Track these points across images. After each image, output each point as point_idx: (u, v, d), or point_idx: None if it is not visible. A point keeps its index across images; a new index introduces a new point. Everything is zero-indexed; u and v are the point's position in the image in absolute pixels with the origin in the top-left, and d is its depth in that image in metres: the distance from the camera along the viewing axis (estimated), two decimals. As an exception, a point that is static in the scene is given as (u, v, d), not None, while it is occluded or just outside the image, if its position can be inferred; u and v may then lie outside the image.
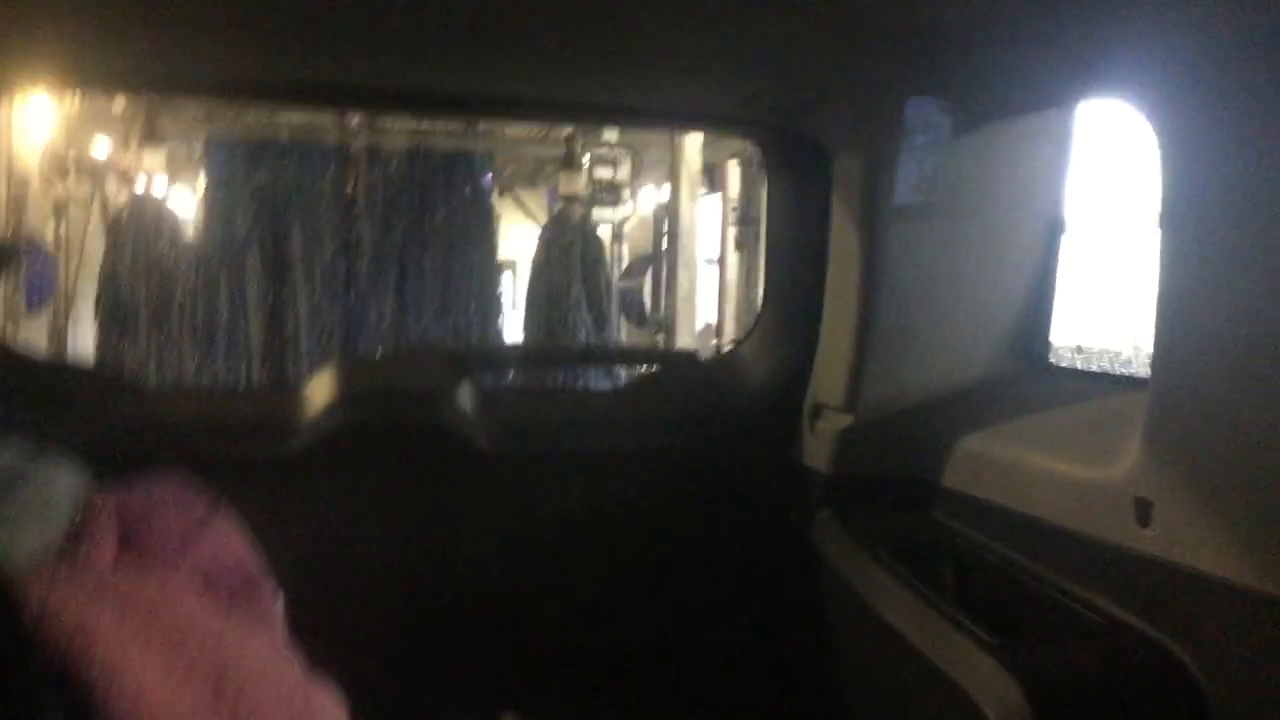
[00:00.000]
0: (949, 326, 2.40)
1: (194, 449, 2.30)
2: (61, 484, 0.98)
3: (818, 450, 2.54)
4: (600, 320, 9.26)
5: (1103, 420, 2.01)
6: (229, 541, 1.12)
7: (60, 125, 9.18)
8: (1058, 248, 2.38)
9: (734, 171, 9.93)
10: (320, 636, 1.34)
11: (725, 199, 10.24)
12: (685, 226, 10.02)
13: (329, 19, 1.87)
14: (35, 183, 9.19)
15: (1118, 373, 2.28)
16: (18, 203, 8.85)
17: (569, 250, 9.23)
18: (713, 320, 10.80)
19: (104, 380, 2.82)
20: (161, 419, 2.50)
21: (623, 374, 7.89)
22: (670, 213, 10.11)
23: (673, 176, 9.93)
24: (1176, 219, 1.64)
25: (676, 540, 2.62)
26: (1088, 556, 1.83)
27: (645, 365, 2.98)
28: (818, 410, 2.56)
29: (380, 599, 2.40)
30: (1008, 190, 2.34)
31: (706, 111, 2.56)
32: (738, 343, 2.88)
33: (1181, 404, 1.65)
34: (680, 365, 2.95)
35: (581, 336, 9.17)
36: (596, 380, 6.57)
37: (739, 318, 9.79)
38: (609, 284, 9.48)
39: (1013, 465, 2.11)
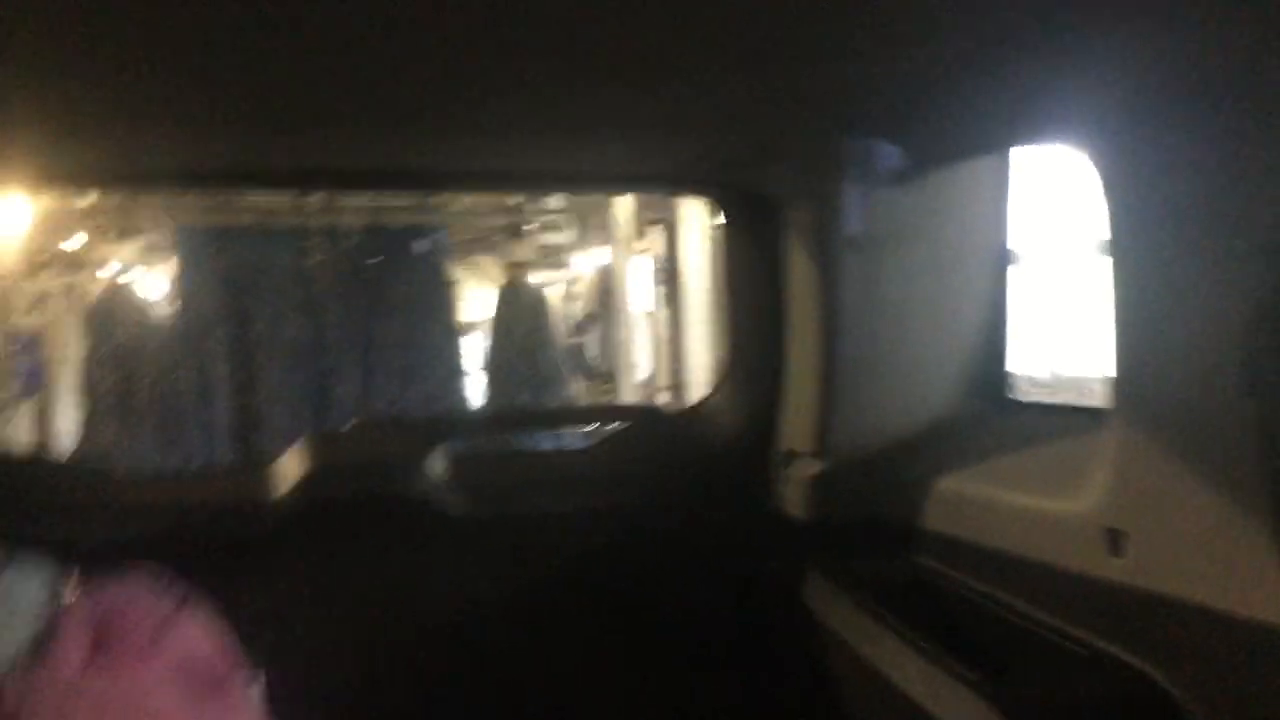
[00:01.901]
0: (910, 366, 2.27)
1: (168, 534, 2.18)
2: (31, 589, 0.91)
3: (791, 497, 2.38)
4: (552, 376, 9.21)
5: (1069, 452, 1.89)
6: (200, 634, 1.03)
7: (38, 220, 9.14)
8: (1007, 278, 2.25)
9: (658, 234, 9.94)
10: (302, 714, 1.26)
11: (655, 259, 10.26)
12: (621, 286, 10.06)
13: (285, 107, 1.77)
14: (15, 276, 9.09)
15: (1081, 404, 2.17)
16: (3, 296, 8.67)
17: (521, 312, 9.17)
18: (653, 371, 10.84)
19: (76, 472, 2.65)
20: (134, 506, 2.36)
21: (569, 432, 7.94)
22: (607, 274, 10.10)
23: (610, 240, 9.99)
24: (1126, 253, 1.56)
25: (656, 597, 2.45)
26: (1065, 589, 1.72)
27: (614, 422, 2.79)
28: (788, 457, 2.40)
29: (360, 672, 2.24)
30: (954, 226, 2.23)
31: (655, 173, 2.41)
32: (705, 396, 2.71)
33: (1145, 432, 1.55)
34: (648, 421, 2.79)
35: (534, 393, 9.05)
36: (551, 440, 6.49)
37: (668, 368, 9.87)
38: (558, 342, 9.43)
39: (984, 501, 1.98)
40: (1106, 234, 1.60)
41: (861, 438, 2.27)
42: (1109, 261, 1.60)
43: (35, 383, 9.42)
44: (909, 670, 1.80)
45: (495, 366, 9.21)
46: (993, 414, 2.24)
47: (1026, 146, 2.13)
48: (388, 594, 2.33)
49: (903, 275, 2.22)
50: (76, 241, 9.52)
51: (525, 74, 1.64)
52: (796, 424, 2.37)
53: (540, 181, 2.56)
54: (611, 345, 10.34)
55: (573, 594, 2.42)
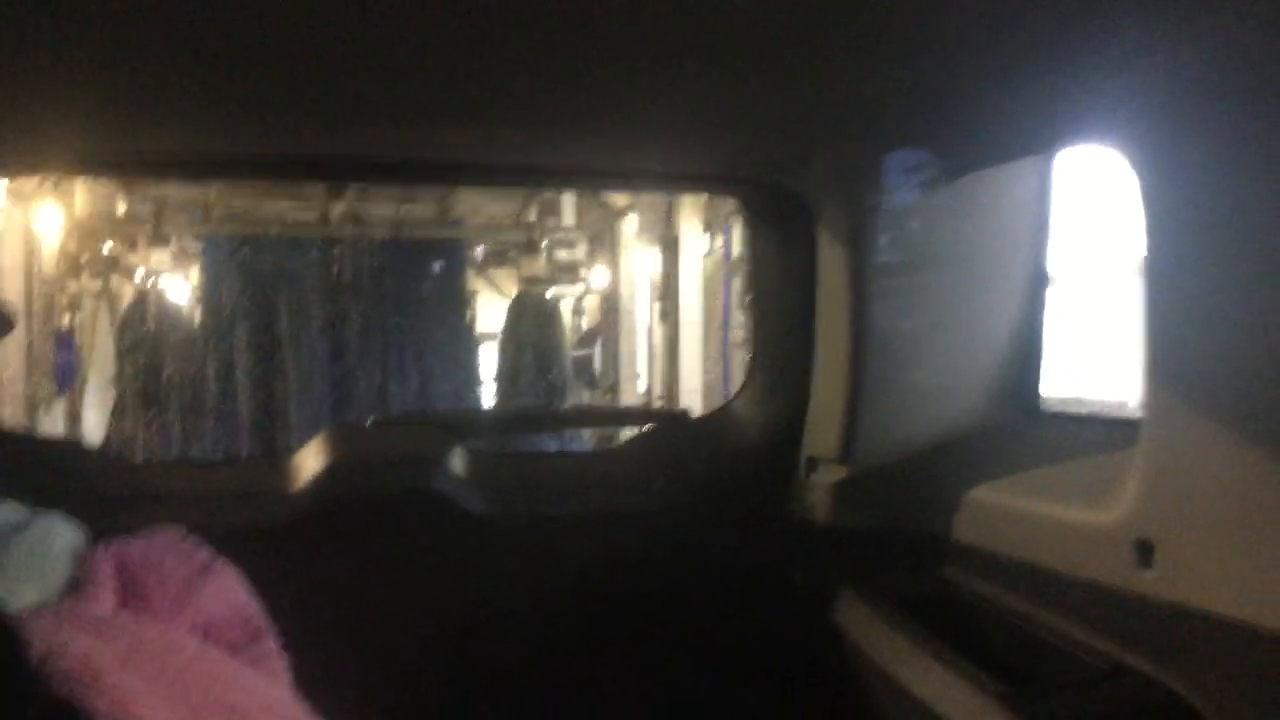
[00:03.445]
0: (940, 376, 2.10)
1: (187, 520, 1.99)
2: (61, 539, 0.87)
3: (814, 504, 2.20)
4: (559, 385, 9.21)
5: (1098, 463, 1.75)
6: (231, 589, 0.98)
7: (75, 227, 9.26)
8: (1044, 293, 2.08)
9: (655, 254, 9.94)
10: (315, 704, 1.11)
11: (651, 279, 10.25)
12: (625, 302, 10.06)
13: (310, 94, 1.65)
14: (53, 279, 9.13)
15: (1111, 416, 2.03)
16: (43, 299, 8.83)
17: (531, 324, 9.16)
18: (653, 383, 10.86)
19: (99, 456, 2.49)
20: (155, 491, 2.22)
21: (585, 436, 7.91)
22: (612, 290, 10.13)
23: (612, 258, 10.00)
24: (1161, 260, 1.43)
25: (675, 600, 2.28)
26: (1091, 600, 1.59)
27: (640, 425, 2.63)
28: (813, 464, 2.23)
29: (375, 664, 2.06)
30: (991, 239, 2.06)
31: (689, 172, 2.26)
32: (730, 399, 2.54)
33: (1176, 443, 1.43)
34: (672, 424, 2.62)
35: (541, 400, 9.07)
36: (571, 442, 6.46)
37: (663, 379, 9.89)
38: (566, 353, 9.43)
39: (1010, 512, 1.83)
40: (1140, 239, 1.46)
41: (888, 446, 2.11)
42: (1141, 269, 1.47)
43: (70, 378, 9.47)
44: (933, 681, 1.68)
45: (506, 374, 9.21)
46: (1023, 424, 2.08)
47: (1065, 150, 1.98)
48: (406, 588, 2.18)
49: (935, 283, 2.07)
50: (110, 248, 9.59)
51: (563, 69, 1.53)
52: (823, 430, 2.21)
53: (574, 177, 2.41)
54: (612, 357, 10.31)
55: (593, 596, 2.26)
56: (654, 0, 1.25)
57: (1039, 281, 2.08)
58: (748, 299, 9.07)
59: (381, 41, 1.39)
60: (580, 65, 1.50)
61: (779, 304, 2.36)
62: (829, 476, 2.17)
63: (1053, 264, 2.08)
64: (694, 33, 1.35)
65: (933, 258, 2.06)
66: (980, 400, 2.10)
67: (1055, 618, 1.68)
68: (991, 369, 2.09)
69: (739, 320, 9.53)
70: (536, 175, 2.42)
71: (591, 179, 2.38)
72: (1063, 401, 2.32)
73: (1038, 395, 2.12)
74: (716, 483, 2.35)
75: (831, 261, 2.12)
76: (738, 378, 9.62)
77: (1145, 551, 1.45)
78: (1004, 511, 1.85)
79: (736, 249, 9.52)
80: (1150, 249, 1.45)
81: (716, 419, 2.58)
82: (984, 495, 1.92)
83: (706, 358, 9.80)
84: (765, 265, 2.40)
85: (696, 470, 2.37)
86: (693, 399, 9.46)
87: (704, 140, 1.98)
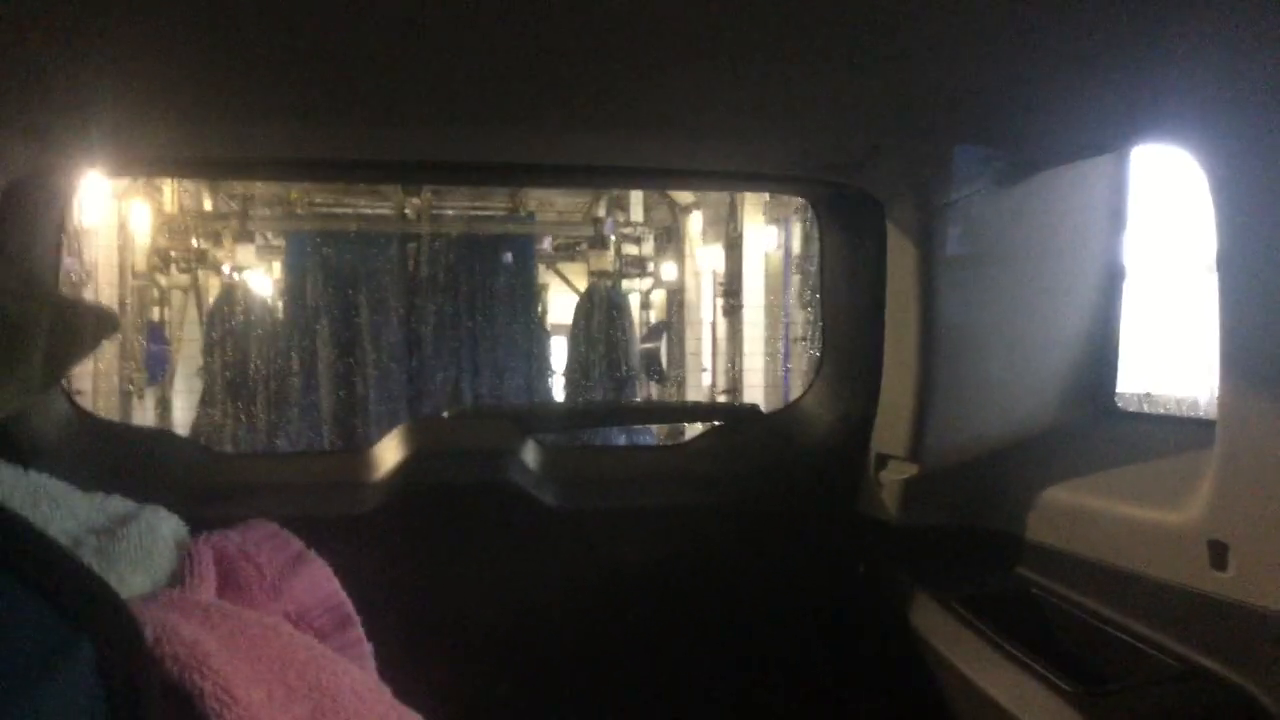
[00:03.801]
0: (1011, 374, 2.05)
1: (272, 509, 2.02)
2: (165, 526, 0.89)
3: (883, 501, 2.17)
4: (628, 377, 9.19)
5: (1172, 463, 1.71)
6: (321, 579, 1.00)
7: (165, 224, 9.41)
8: (1119, 292, 2.03)
9: (719, 252, 9.85)
10: (392, 689, 1.12)
11: (714, 275, 10.17)
12: (691, 297, 9.94)
13: (387, 95, 1.65)
14: (145, 274, 9.36)
15: (1184, 415, 1.96)
16: (135, 293, 9.06)
17: (601, 317, 9.14)
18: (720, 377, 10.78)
19: (188, 446, 2.53)
20: (241, 481, 2.25)
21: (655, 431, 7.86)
22: (678, 285, 10.08)
23: (678, 254, 9.95)
24: (1234, 259, 1.40)
25: (742, 594, 2.27)
26: (1163, 601, 1.56)
27: (713, 420, 2.61)
28: (882, 461, 2.20)
29: (449, 652, 2.09)
30: (1064, 236, 2.01)
31: (759, 171, 2.23)
32: (799, 395, 2.51)
33: (1251, 443, 1.39)
34: (742, 419, 2.59)
35: (609, 392, 9.08)
36: (637, 435, 6.42)
37: (726, 372, 9.86)
38: (634, 346, 9.39)
39: (1082, 511, 1.78)
40: (1212, 239, 1.42)
41: (958, 443, 2.07)
42: (1214, 269, 1.43)
43: (162, 368, 9.67)
44: (1003, 679, 1.64)
45: (575, 366, 9.19)
46: (1096, 423, 2.02)
47: (1136, 148, 1.93)
48: (480, 577, 2.19)
49: (1007, 280, 2.02)
50: (198, 243, 9.74)
51: (631, 70, 1.52)
52: (892, 428, 2.17)
53: (642, 176, 2.39)
54: (678, 351, 10.23)
55: (661, 588, 2.25)
56: (724, 4, 1.23)
57: (1114, 279, 2.03)
58: (807, 295, 9.06)
59: (454, 45, 1.39)
60: (649, 65, 1.48)
61: (849, 300, 2.32)
62: (898, 473, 2.13)
63: (1129, 261, 2.03)
64: (762, 31, 1.33)
65: (1005, 255, 2.00)
66: (1053, 398, 2.05)
67: (1127, 618, 1.64)
68: (1064, 367, 2.04)
69: (797, 316, 9.46)
70: (606, 175, 2.41)
71: (660, 178, 2.37)
72: (1134, 397, 2.25)
73: (1113, 394, 2.07)
74: (786, 478, 2.33)
75: (901, 259, 2.09)
76: (795, 371, 9.58)
77: (1219, 552, 1.42)
78: (1076, 510, 1.81)
79: (796, 246, 9.41)
80: (1222, 249, 1.41)
81: (786, 415, 2.55)
82: (1055, 494, 1.88)
83: (769, 352, 9.73)
84: (835, 262, 2.37)
85: (766, 466, 2.35)
86: (755, 393, 9.43)
87: (773, 138, 1.95)
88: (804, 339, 9.08)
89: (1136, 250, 2.08)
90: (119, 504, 0.92)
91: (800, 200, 8.81)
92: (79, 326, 0.92)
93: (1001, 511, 1.99)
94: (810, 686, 2.25)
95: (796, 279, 9.45)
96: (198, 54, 1.42)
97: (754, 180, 2.38)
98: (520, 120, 1.81)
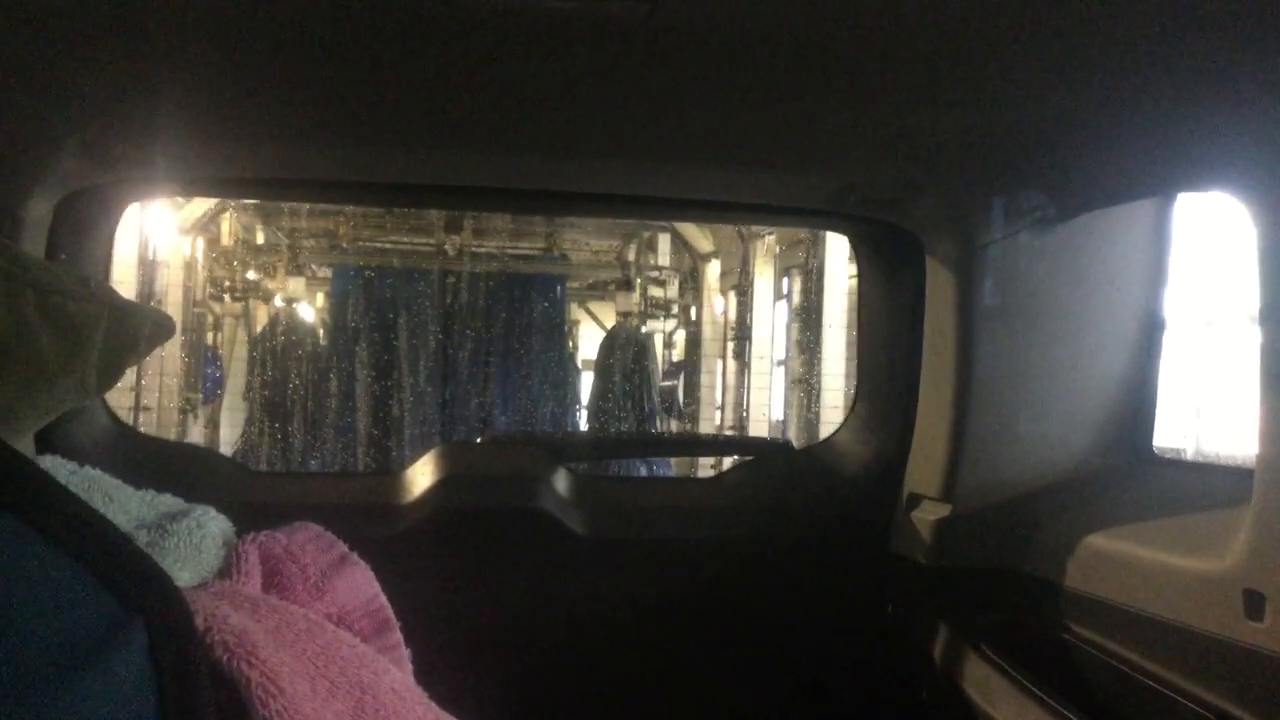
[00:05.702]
0: (1047, 416, 1.90)
1: None
2: (213, 524, 0.88)
3: (914, 541, 2.01)
4: (648, 411, 9.17)
5: (1209, 511, 1.57)
6: (363, 583, 0.97)
7: (219, 257, 9.59)
8: (1160, 339, 1.88)
9: (731, 298, 9.97)
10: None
11: (725, 319, 10.21)
12: (707, 339, 10.02)
13: (430, 122, 1.59)
14: (201, 302, 9.54)
15: (1222, 464, 1.83)
16: (194, 319, 9.29)
17: (624, 354, 9.14)
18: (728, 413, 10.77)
19: (228, 464, 2.42)
20: (272, 500, 2.13)
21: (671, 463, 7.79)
22: (696, 327, 10.14)
23: (695, 299, 10.04)
24: (1278, 309, 1.27)
25: (770, 629, 2.12)
26: (1196, 650, 1.43)
27: (744, 455, 2.46)
28: (914, 500, 2.04)
29: (477, 675, 1.94)
30: (1106, 279, 1.86)
31: (798, 206, 2.10)
32: (832, 432, 2.37)
33: None
34: (775, 454, 2.45)
35: (631, 425, 9.04)
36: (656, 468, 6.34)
37: (734, 409, 10.03)
38: (656, 382, 9.37)
39: (1116, 557, 1.64)
40: (1258, 287, 1.30)
41: (992, 485, 1.92)
42: (1258, 319, 1.31)
43: (215, 390, 9.76)
44: None
45: (598, 399, 9.15)
46: (1133, 470, 1.87)
47: (1182, 194, 1.79)
48: (509, 603, 2.06)
49: (1046, 323, 1.88)
50: (250, 274, 9.85)
51: (674, 103, 1.43)
52: (925, 467, 2.02)
53: (682, 208, 2.28)
54: (693, 389, 10.32)
55: (688, 620, 2.10)
56: (764, 37, 1.16)
57: (1154, 327, 1.88)
58: (805, 341, 9.17)
59: (496, 73, 1.32)
60: (692, 99, 1.40)
61: (885, 337, 2.19)
62: (930, 514, 1.98)
63: (1169, 309, 1.89)
64: (806, 68, 1.26)
65: (1045, 296, 1.86)
66: (1089, 444, 1.90)
67: (1159, 666, 1.51)
68: (1101, 413, 1.89)
69: (796, 361, 9.71)
70: (647, 206, 2.31)
71: (701, 211, 2.26)
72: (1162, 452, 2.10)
73: (1150, 440, 1.91)
74: (816, 515, 2.18)
75: (940, 297, 1.95)
76: (792, 412, 9.67)
77: (1255, 603, 1.31)
78: (1110, 556, 1.66)
79: (795, 299, 9.61)
80: (1269, 298, 1.29)
81: (818, 451, 2.41)
82: (1090, 539, 1.73)
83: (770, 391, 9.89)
84: (873, 298, 2.23)
85: (797, 501, 2.20)
86: (759, 428, 9.51)
87: (815, 174, 1.84)
88: (802, 381, 9.16)
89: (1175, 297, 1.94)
90: (170, 501, 0.90)
91: (802, 256, 8.97)
92: (136, 329, 0.90)
93: (1034, 555, 1.84)
94: None
95: (795, 326, 9.60)
96: (246, 75, 1.36)
97: (794, 215, 2.26)
98: (556, 149, 1.72)
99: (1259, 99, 1.21)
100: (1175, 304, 1.94)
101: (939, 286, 1.95)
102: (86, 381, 0.85)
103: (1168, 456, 1.95)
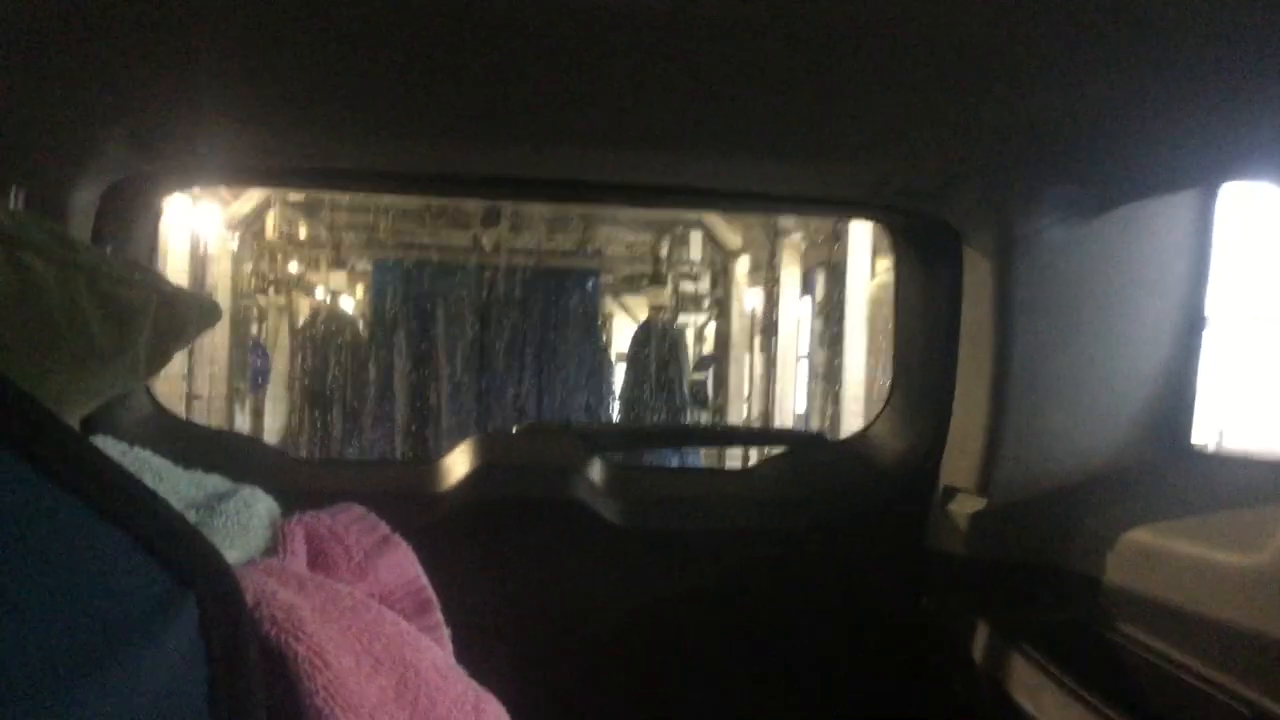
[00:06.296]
0: (1085, 409, 1.84)
1: None
2: (261, 504, 0.88)
3: (949, 534, 1.96)
4: (678, 404, 9.16)
5: (1248, 504, 1.51)
6: (406, 563, 0.97)
7: (263, 251, 9.68)
8: (1200, 329, 1.82)
9: (755, 293, 9.93)
10: None
11: (752, 314, 10.20)
12: (736, 332, 10.05)
13: (461, 113, 1.55)
14: (246, 294, 9.60)
15: (1263, 457, 1.75)
16: (241, 312, 9.45)
17: (656, 349, 9.13)
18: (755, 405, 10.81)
19: (270, 452, 2.41)
20: (310, 486, 2.10)
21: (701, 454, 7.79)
22: (725, 322, 10.13)
23: (724, 294, 10.01)
24: None
25: (803, 621, 2.07)
26: (1232, 644, 1.37)
27: (778, 445, 2.42)
28: (950, 493, 1.99)
29: (509, 663, 1.91)
30: (1145, 272, 1.80)
31: (836, 196, 2.05)
32: (868, 423, 2.31)
33: None
34: (809, 446, 2.40)
35: (659, 418, 9.03)
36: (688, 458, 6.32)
37: (760, 401, 10.08)
38: (686, 375, 9.35)
39: (1153, 551, 1.58)
40: None
41: (1028, 478, 1.86)
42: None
43: (263, 380, 9.89)
44: (1065, 716, 1.47)
45: (629, 391, 9.14)
46: (1171, 464, 1.81)
47: (1224, 184, 1.73)
48: (544, 591, 2.03)
49: (1085, 316, 1.82)
50: (294, 267, 9.93)
51: (710, 92, 1.38)
52: (961, 460, 1.96)
53: (720, 199, 2.23)
54: (722, 382, 10.29)
55: (721, 611, 2.07)
56: (799, 24, 1.11)
57: (1195, 320, 1.82)
58: (828, 336, 9.15)
59: (533, 69, 1.29)
60: (728, 88, 1.36)
61: (922, 329, 2.13)
62: (966, 506, 1.93)
63: (1211, 302, 1.82)
64: (841, 57, 1.21)
65: (1083, 289, 1.81)
66: (1127, 437, 1.84)
67: (1196, 660, 1.45)
68: (1140, 406, 1.83)
69: (819, 356, 9.72)
70: (683, 196, 2.26)
71: (737, 201, 2.22)
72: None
73: (1189, 435, 1.85)
74: (851, 506, 2.14)
75: (977, 289, 1.89)
76: (813, 405, 9.69)
77: None
78: (1147, 550, 1.60)
79: (819, 295, 9.64)
80: None
81: (853, 443, 2.36)
82: (1126, 533, 1.67)
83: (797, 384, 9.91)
84: (909, 290, 2.18)
85: (832, 493, 2.16)
86: (785, 421, 9.51)
87: (852, 165, 1.78)
88: (824, 376, 9.16)
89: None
90: (218, 482, 0.91)
91: (827, 252, 8.94)
92: (184, 315, 0.89)
93: (1071, 549, 1.77)
94: (867, 715, 2.05)
95: (819, 322, 9.58)
96: (290, 65, 1.33)
97: (831, 206, 2.21)
98: (590, 139, 1.68)
99: None
100: (1220, 298, 1.87)
101: (976, 279, 1.90)
102: (136, 366, 0.85)
103: (1208, 451, 1.88)
